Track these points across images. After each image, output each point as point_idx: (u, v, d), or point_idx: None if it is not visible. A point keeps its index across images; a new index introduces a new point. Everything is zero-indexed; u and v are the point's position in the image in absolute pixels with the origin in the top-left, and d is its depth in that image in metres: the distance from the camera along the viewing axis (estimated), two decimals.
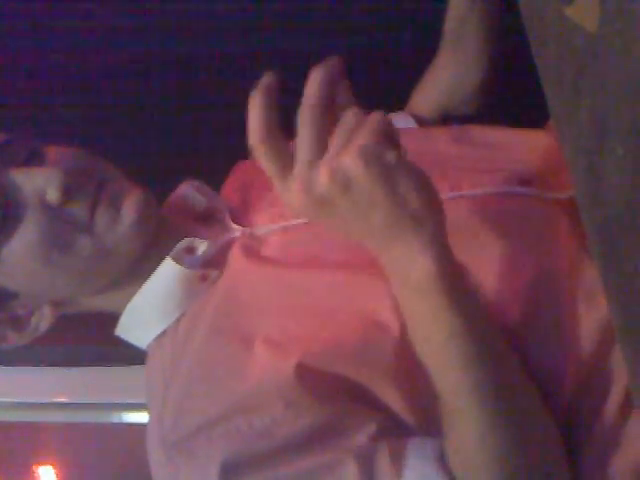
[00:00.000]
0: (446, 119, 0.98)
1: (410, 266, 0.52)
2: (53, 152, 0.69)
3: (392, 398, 0.61)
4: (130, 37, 1.39)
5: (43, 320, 0.72)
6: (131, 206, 0.67)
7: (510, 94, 1.07)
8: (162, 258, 0.70)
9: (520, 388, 0.58)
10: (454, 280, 0.53)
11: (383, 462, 0.57)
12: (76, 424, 1.23)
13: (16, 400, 1.21)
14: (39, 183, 0.65)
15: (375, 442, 0.58)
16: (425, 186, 0.51)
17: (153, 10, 1.38)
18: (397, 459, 0.57)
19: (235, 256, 0.71)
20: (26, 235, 0.65)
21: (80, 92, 1.43)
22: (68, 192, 0.65)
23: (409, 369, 0.59)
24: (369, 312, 0.63)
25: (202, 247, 0.71)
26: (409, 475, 0.56)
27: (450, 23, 0.93)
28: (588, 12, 0.34)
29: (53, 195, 0.65)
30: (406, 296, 0.55)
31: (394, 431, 0.60)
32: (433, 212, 0.51)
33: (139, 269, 0.70)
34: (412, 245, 0.51)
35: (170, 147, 1.32)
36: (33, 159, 0.68)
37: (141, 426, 0.69)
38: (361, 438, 0.59)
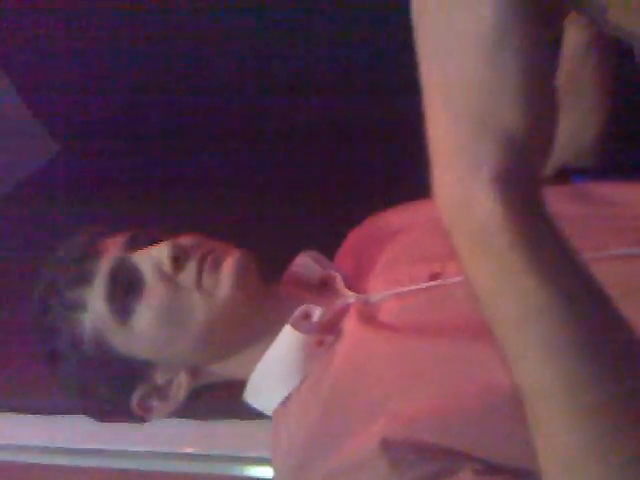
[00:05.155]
0: (561, 174, 0.97)
1: (467, 198, 0.37)
2: (166, 237, 0.79)
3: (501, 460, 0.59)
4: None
5: (181, 388, 0.78)
6: (228, 265, 0.75)
7: (629, 146, 1.05)
8: (281, 325, 0.74)
9: None
10: (535, 232, 0.37)
11: None
12: (199, 475, 1.26)
13: (147, 449, 1.27)
14: (154, 256, 0.75)
15: (481, 476, 0.57)
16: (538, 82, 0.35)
17: None
18: None
19: (351, 322, 0.74)
20: (149, 302, 0.74)
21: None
22: (177, 260, 0.74)
23: (519, 428, 0.58)
24: (480, 380, 0.62)
25: (317, 313, 0.75)
26: None
27: (562, 77, 0.93)
28: None
29: (166, 264, 0.74)
30: (459, 242, 0.38)
31: (495, 473, 0.58)
32: (532, 126, 0.36)
33: (261, 336, 0.76)
34: (477, 163, 0.36)
35: (283, 219, 1.39)
36: (153, 245, 0.78)
37: None
38: (467, 471, 0.58)
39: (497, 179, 0.36)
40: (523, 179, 0.37)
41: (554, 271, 0.36)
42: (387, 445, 0.61)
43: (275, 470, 0.73)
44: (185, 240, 0.78)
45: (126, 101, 1.72)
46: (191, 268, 0.75)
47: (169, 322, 0.75)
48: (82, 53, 1.68)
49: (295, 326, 0.74)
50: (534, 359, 0.36)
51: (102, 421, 0.84)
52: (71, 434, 1.28)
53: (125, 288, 0.75)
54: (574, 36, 0.89)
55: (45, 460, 1.36)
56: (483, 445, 0.60)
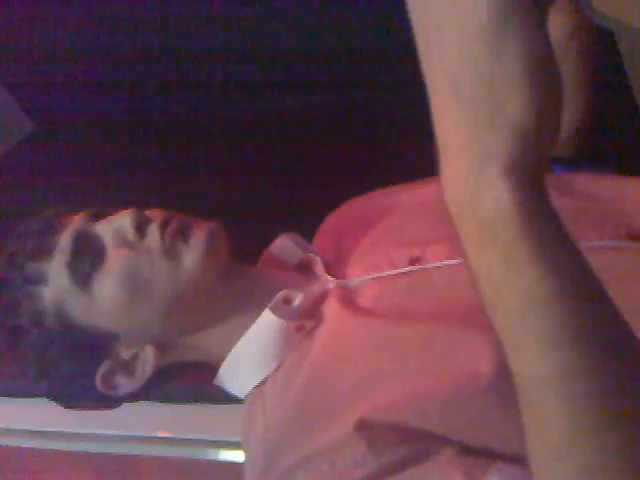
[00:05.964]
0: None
1: (477, 188, 0.37)
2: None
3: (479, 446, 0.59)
4: None
5: (148, 363, 0.75)
6: (201, 232, 0.74)
7: (610, 137, 1.05)
8: (260, 308, 0.73)
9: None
10: (542, 223, 0.38)
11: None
12: (172, 458, 1.26)
13: (120, 433, 1.26)
14: (115, 224, 0.75)
15: (462, 457, 0.57)
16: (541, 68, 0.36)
17: None
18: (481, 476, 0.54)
19: (331, 307, 0.73)
20: (110, 268, 0.73)
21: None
22: (140, 227, 0.73)
23: (498, 416, 0.58)
24: (461, 366, 0.62)
25: (298, 298, 0.74)
26: None
27: None
28: None
29: (130, 232, 0.73)
30: (465, 232, 0.39)
31: (475, 455, 0.58)
32: (539, 114, 0.36)
33: (232, 315, 0.75)
34: (487, 153, 0.37)
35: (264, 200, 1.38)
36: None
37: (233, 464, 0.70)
38: (448, 452, 0.58)
39: (508, 170, 0.37)
40: (531, 169, 0.37)
41: (558, 263, 0.37)
42: (365, 426, 0.61)
43: (247, 453, 0.73)
44: (150, 212, 0.77)
45: (104, 82, 1.70)
46: (153, 230, 0.74)
47: (131, 288, 0.73)
48: (60, 32, 1.66)
49: (275, 311, 0.73)
50: (533, 348, 0.37)
51: (67, 405, 0.81)
52: (43, 416, 1.26)
53: (86, 257, 0.74)
54: (558, 24, 0.89)
55: (15, 443, 1.34)
56: (463, 430, 0.60)
